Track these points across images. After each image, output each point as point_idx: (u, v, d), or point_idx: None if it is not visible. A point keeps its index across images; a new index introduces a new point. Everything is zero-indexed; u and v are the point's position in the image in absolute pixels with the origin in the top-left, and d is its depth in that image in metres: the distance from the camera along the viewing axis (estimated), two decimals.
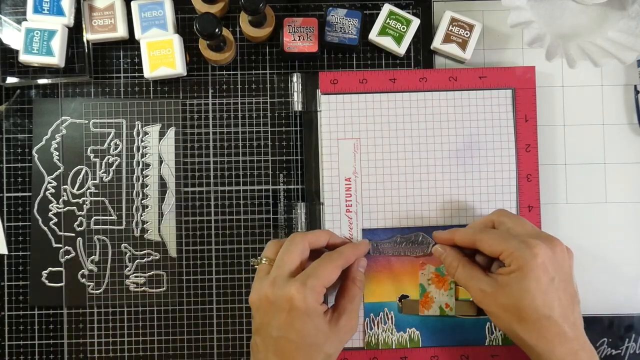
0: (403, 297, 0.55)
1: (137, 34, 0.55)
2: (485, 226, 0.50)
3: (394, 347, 0.54)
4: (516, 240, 0.46)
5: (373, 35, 0.56)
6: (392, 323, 0.54)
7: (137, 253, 0.56)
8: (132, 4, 0.56)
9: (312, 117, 0.56)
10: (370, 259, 0.54)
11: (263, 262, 0.50)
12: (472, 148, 0.55)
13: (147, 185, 0.56)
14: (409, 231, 0.55)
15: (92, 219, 0.56)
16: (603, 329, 0.56)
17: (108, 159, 0.56)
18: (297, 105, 0.56)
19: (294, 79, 0.56)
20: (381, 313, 0.54)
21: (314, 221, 0.55)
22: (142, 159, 0.56)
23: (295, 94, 0.56)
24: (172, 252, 0.56)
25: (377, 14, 0.57)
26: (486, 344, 0.54)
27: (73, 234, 0.56)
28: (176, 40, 0.55)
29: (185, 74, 0.56)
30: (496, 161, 0.55)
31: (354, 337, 0.54)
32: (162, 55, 0.55)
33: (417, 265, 0.55)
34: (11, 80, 0.56)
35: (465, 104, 0.55)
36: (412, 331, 0.54)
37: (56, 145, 0.56)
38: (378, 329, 0.54)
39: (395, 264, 0.55)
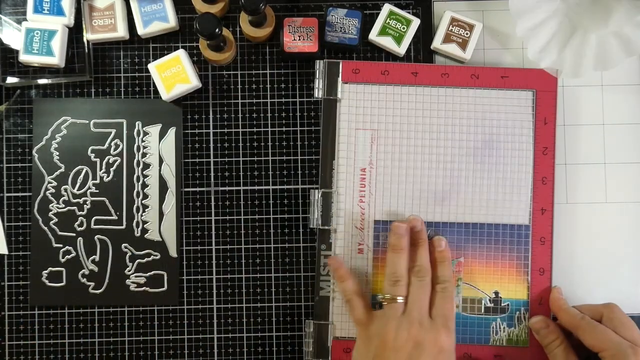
0: None
1: (140, 30, 0.55)
2: (593, 315, 0.51)
3: None
4: (622, 342, 0.47)
5: (373, 35, 0.56)
6: None
7: (137, 253, 0.56)
8: (131, 0, 0.56)
9: (332, 104, 0.56)
10: (380, 250, 0.55)
11: (399, 301, 0.50)
12: (490, 147, 0.55)
13: (147, 185, 0.56)
14: None
15: (93, 219, 0.56)
16: None
17: (108, 159, 0.56)
18: (318, 92, 0.56)
19: (318, 66, 0.56)
20: None
21: (326, 210, 0.55)
22: (143, 159, 0.56)
23: (317, 80, 0.56)
24: (173, 252, 0.56)
25: (377, 14, 0.57)
26: (490, 343, 0.54)
27: (73, 234, 0.56)
28: (183, 55, 0.55)
29: (200, 85, 0.56)
30: (513, 162, 0.55)
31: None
32: (174, 74, 0.55)
33: None
34: (11, 80, 0.56)
35: (485, 102, 0.55)
36: None
37: (56, 145, 0.56)
38: None
39: None
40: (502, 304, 0.55)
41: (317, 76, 0.56)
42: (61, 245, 0.56)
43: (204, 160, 0.57)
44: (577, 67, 0.53)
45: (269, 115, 0.57)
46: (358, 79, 0.56)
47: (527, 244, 0.55)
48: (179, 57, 0.55)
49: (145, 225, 0.56)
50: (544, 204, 0.55)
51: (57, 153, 0.56)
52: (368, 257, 0.55)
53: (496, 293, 0.55)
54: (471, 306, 0.54)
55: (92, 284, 0.55)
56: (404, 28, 0.56)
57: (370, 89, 0.55)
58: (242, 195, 0.56)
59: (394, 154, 0.55)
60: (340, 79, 0.56)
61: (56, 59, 0.54)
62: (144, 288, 0.55)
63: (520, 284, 0.54)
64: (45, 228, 0.56)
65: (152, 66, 0.55)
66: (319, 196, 0.55)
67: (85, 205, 0.56)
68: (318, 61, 0.56)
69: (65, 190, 0.56)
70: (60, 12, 0.55)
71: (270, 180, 0.56)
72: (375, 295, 0.54)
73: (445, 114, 0.55)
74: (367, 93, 0.56)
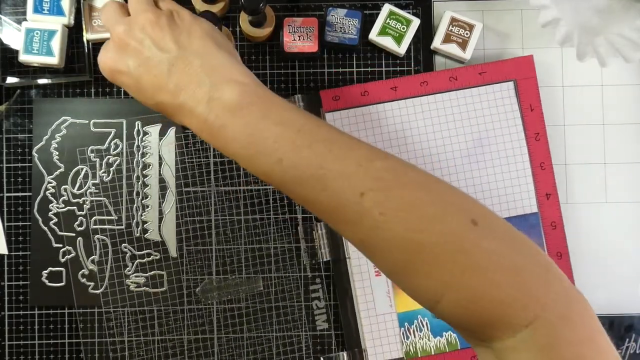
0: None
1: None
2: None
3: (433, 353, 0.54)
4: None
5: (373, 35, 0.56)
6: (427, 329, 0.54)
7: (137, 253, 0.56)
8: None
9: None
10: None
11: None
12: (483, 145, 0.55)
13: (147, 185, 0.56)
14: None
15: (92, 219, 0.56)
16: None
17: (108, 159, 0.56)
18: None
19: (296, 100, 0.56)
20: (415, 321, 0.54)
21: (335, 240, 0.55)
22: (143, 159, 0.56)
23: None
24: (173, 252, 0.56)
25: (377, 14, 0.57)
26: None
27: (73, 234, 0.56)
28: None
29: None
30: (508, 154, 0.55)
31: (392, 348, 0.54)
32: None
33: None
34: (11, 80, 0.56)
35: (469, 102, 0.56)
36: (448, 335, 0.54)
37: (56, 145, 0.56)
38: (415, 337, 0.54)
39: None
40: None
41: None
42: (61, 245, 0.56)
43: (204, 160, 0.56)
44: (586, 52, 0.52)
45: None
46: (339, 106, 0.55)
47: (539, 231, 0.55)
48: None
49: (145, 225, 0.56)
50: (548, 188, 0.55)
51: (57, 153, 0.56)
52: (386, 278, 0.55)
53: None
54: None
55: (92, 284, 0.55)
56: (404, 28, 0.56)
57: (353, 112, 0.55)
58: (242, 195, 0.56)
59: None
60: (322, 109, 0.56)
61: (56, 59, 0.54)
62: (143, 288, 0.55)
63: None
64: (45, 228, 0.56)
65: None
66: (324, 229, 0.55)
67: (85, 205, 0.56)
68: (295, 95, 0.56)
69: (65, 190, 0.56)
70: (60, 12, 0.55)
71: None
72: (400, 314, 0.54)
73: (431, 121, 0.55)
74: (351, 117, 0.55)
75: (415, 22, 0.56)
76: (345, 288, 0.55)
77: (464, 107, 0.56)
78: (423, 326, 0.54)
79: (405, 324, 0.54)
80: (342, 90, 0.56)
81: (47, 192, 0.56)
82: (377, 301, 0.55)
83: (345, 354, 0.55)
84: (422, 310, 0.54)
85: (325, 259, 0.56)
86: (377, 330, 0.54)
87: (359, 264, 0.55)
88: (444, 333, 0.54)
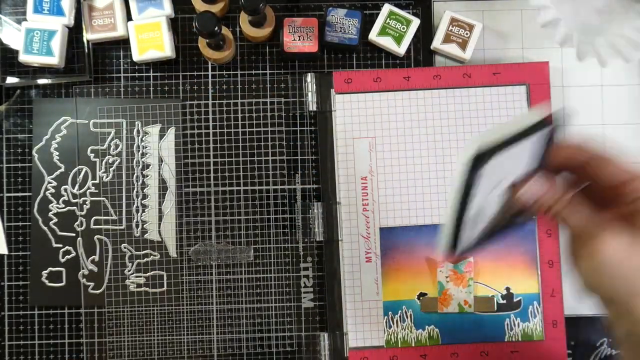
0: (421, 295, 0.55)
1: (134, 17, 0.56)
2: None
3: (413, 345, 0.54)
4: None
5: (373, 35, 0.56)
6: (411, 321, 0.54)
7: (137, 253, 0.56)
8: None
9: (327, 116, 0.56)
10: (388, 257, 0.55)
11: None
12: None
13: (147, 186, 0.56)
14: (427, 229, 0.55)
15: (92, 219, 0.56)
16: (603, 329, 0.56)
17: (108, 159, 0.56)
18: (312, 105, 0.56)
19: (308, 79, 0.56)
20: (400, 311, 0.55)
21: (330, 221, 0.55)
22: (142, 159, 0.56)
23: (309, 94, 0.56)
24: (172, 252, 0.56)
25: (377, 14, 0.57)
26: (506, 339, 0.54)
27: (73, 234, 0.56)
28: (164, 23, 0.55)
29: (174, 56, 0.56)
30: None
31: (374, 335, 0.54)
32: (151, 38, 0.55)
33: (435, 263, 0.55)
34: (11, 80, 0.56)
35: (479, 100, 0.56)
36: (431, 329, 0.54)
37: (56, 145, 0.56)
38: (397, 327, 0.54)
39: (414, 262, 0.55)
40: (515, 300, 0.55)
41: (309, 89, 0.56)
42: (61, 245, 0.56)
43: (204, 160, 0.56)
44: (586, 52, 0.52)
45: (268, 115, 0.57)
46: (351, 89, 0.56)
47: (534, 237, 0.55)
48: (160, 24, 0.55)
49: (144, 226, 0.56)
50: None
51: (57, 153, 0.56)
52: (377, 265, 0.55)
53: (507, 289, 0.55)
54: (484, 304, 0.54)
55: (92, 284, 0.55)
56: (403, 28, 0.56)
57: (364, 97, 0.55)
58: (242, 195, 0.56)
59: (393, 160, 0.55)
60: (333, 90, 0.56)
61: (56, 59, 0.55)
62: (143, 288, 0.55)
63: (531, 277, 0.54)
64: (45, 228, 0.56)
65: (131, 24, 0.55)
66: (319, 209, 0.55)
67: (84, 205, 0.56)
68: (307, 73, 0.56)
69: (65, 190, 0.56)
70: (60, 12, 0.55)
71: (271, 180, 0.56)
72: (385, 302, 0.55)
73: (440, 115, 0.55)
74: (361, 102, 0.55)
75: (415, 22, 0.56)
76: (334, 270, 0.55)
77: (474, 105, 0.56)
78: (407, 317, 0.54)
79: (390, 312, 0.54)
80: (355, 73, 0.56)
81: (47, 192, 0.56)
82: (364, 287, 0.55)
83: (326, 334, 0.55)
84: (408, 301, 0.55)
85: (318, 239, 0.56)
86: (360, 316, 0.55)
87: (350, 248, 0.55)
88: (427, 327, 0.54)
